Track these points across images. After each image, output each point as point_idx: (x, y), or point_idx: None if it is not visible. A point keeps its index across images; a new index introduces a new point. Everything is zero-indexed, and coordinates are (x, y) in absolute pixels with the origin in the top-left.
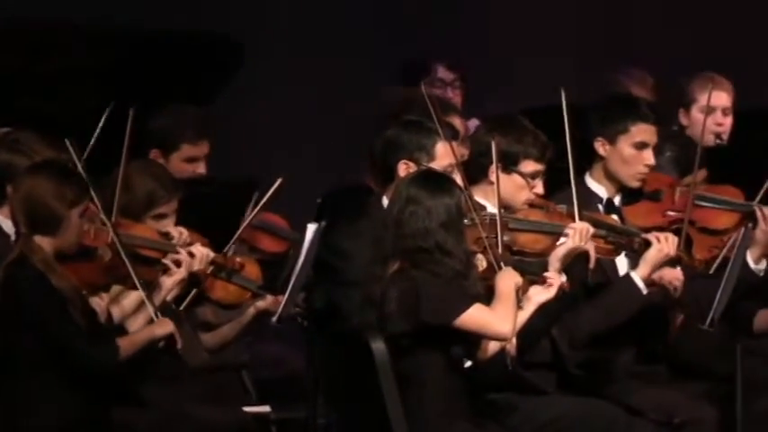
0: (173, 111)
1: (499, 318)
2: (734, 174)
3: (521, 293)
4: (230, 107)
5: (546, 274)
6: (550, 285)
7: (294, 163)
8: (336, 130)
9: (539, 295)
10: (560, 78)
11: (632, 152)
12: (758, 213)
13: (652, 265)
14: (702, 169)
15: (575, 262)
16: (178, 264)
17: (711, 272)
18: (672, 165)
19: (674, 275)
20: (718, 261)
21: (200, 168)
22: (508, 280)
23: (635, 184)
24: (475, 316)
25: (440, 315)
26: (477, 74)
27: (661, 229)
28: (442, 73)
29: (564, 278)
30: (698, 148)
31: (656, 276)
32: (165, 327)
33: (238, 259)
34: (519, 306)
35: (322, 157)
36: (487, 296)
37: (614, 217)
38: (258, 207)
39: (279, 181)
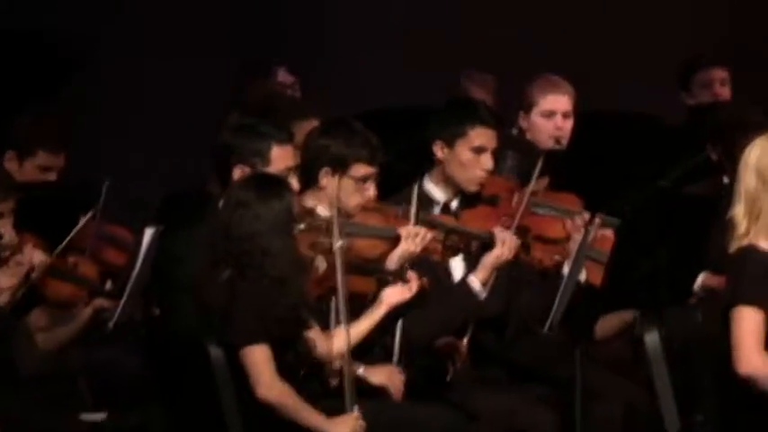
0: (35, 116)
1: (270, 380)
2: (577, 180)
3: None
4: (74, 107)
5: (408, 275)
6: (409, 286)
7: (134, 165)
8: (180, 132)
9: (393, 296)
10: (394, 80)
11: (470, 156)
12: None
13: (489, 269)
14: (545, 177)
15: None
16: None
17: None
18: (514, 170)
19: None
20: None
21: (51, 177)
22: (326, 426)
23: (473, 188)
24: (257, 358)
25: (234, 336)
26: (319, 76)
27: None
28: (283, 76)
29: (417, 277)
30: (540, 155)
31: None
32: None
33: (71, 259)
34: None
35: (163, 159)
36: (325, 297)
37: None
38: (90, 214)
39: (106, 185)
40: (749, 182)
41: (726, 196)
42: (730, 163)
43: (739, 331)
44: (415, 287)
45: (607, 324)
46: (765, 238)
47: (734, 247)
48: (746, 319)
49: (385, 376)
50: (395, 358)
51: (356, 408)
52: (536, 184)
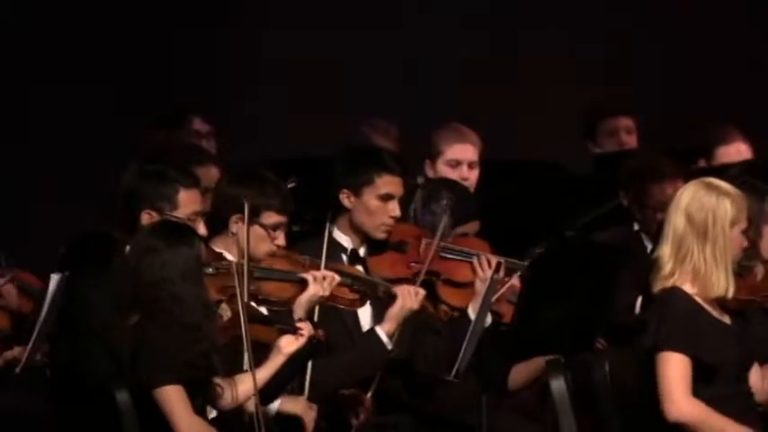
0: None
1: (189, 419)
2: (484, 227)
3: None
4: None
5: (298, 324)
6: (301, 335)
7: (39, 209)
8: (87, 178)
9: (289, 346)
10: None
11: (378, 204)
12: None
13: (396, 320)
14: (475, 221)
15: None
16: None
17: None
18: (447, 213)
19: None
20: None
21: None
22: None
23: (380, 235)
24: (172, 398)
25: (147, 378)
26: (235, 123)
27: (406, 280)
28: (198, 125)
29: (310, 327)
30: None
31: None
32: None
33: None
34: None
35: (67, 204)
36: (231, 346)
37: (359, 268)
38: None
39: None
40: (678, 223)
41: (636, 243)
42: (640, 210)
43: (667, 378)
44: (306, 335)
45: (520, 373)
46: (691, 283)
47: (658, 287)
48: (674, 366)
49: (300, 408)
50: (305, 395)
51: None
52: (467, 227)
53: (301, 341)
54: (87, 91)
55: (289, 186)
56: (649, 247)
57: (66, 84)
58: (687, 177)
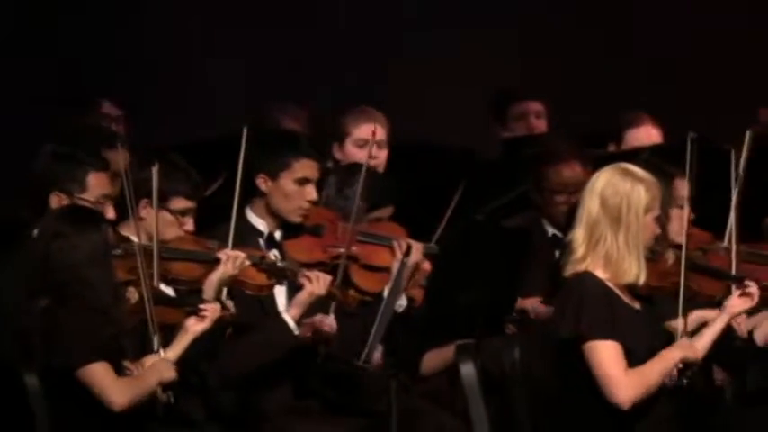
0: None
1: (119, 387)
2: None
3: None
4: None
5: (201, 305)
6: (204, 316)
7: None
8: None
9: (195, 326)
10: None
11: (294, 188)
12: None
13: (303, 306)
14: (389, 206)
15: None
16: None
17: None
18: (360, 197)
19: (326, 321)
20: None
21: None
22: (156, 373)
23: (297, 219)
24: (98, 374)
25: (66, 359)
26: (147, 106)
27: (322, 264)
28: (108, 108)
29: (218, 306)
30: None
31: (316, 319)
32: None
33: None
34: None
35: None
36: (139, 330)
37: (275, 252)
38: None
39: None
40: (592, 208)
41: (536, 227)
42: (539, 193)
43: (603, 365)
44: (210, 316)
45: (434, 358)
46: (602, 268)
47: (569, 270)
48: (605, 353)
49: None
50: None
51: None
52: (381, 211)
53: (207, 322)
54: None
55: None
56: (550, 231)
57: None
58: (597, 162)
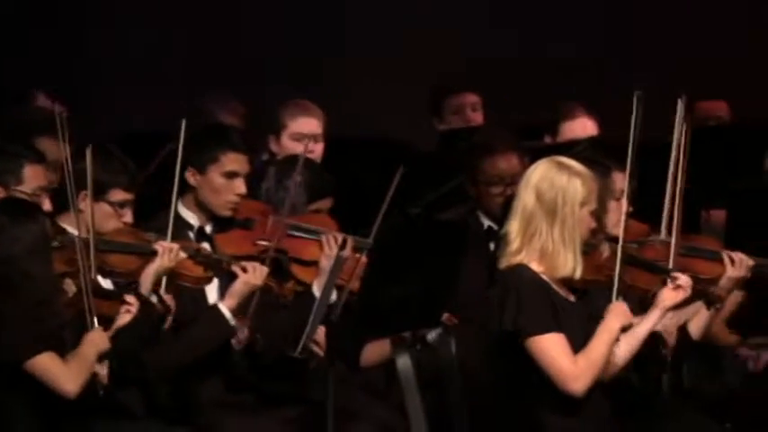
0: None
1: (68, 373)
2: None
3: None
4: None
5: (126, 297)
6: (129, 310)
7: None
8: None
9: (122, 319)
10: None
11: (223, 181)
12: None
13: (238, 296)
14: (329, 198)
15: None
16: None
17: None
18: (302, 189)
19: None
20: None
21: None
22: (93, 346)
23: (226, 213)
24: (47, 364)
25: (14, 352)
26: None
27: (251, 257)
28: (42, 101)
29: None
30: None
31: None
32: None
33: None
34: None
35: None
36: (77, 323)
37: (206, 245)
38: None
39: None
40: (527, 200)
41: (473, 220)
42: (474, 186)
43: (551, 358)
44: (133, 308)
45: (373, 350)
46: (537, 261)
47: (504, 263)
48: (551, 345)
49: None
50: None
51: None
52: (320, 203)
53: (132, 313)
54: None
55: None
56: (486, 223)
57: None
58: (533, 154)
